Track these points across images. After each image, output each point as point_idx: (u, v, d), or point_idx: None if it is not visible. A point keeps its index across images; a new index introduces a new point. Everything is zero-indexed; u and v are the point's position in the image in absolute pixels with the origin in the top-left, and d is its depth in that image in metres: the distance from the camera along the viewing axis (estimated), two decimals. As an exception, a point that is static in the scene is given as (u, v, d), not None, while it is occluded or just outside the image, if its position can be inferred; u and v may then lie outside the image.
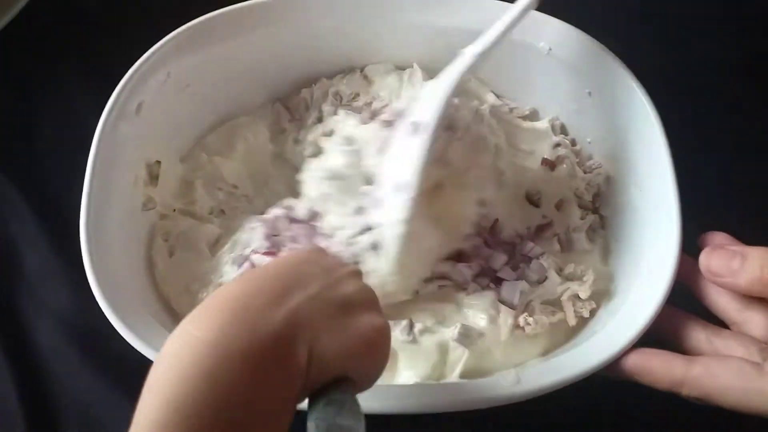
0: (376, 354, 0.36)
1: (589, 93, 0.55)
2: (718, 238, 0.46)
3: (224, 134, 0.59)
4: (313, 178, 0.52)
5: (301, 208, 0.52)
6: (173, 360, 0.29)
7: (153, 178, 0.54)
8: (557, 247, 0.53)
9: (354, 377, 0.35)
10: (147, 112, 0.52)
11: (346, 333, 0.34)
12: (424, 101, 0.48)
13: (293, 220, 0.51)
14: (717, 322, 0.45)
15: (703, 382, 0.41)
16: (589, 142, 0.58)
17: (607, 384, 0.45)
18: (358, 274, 0.39)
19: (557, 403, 0.45)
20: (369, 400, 0.41)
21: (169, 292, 0.52)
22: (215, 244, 0.54)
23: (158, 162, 0.54)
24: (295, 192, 0.55)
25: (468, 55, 0.49)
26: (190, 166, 0.57)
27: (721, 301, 0.45)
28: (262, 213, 0.54)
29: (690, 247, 0.47)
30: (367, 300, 0.37)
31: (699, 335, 0.44)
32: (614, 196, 0.55)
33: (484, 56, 0.48)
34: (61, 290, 0.57)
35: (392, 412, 0.42)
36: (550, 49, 0.55)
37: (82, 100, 0.65)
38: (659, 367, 0.42)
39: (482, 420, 0.48)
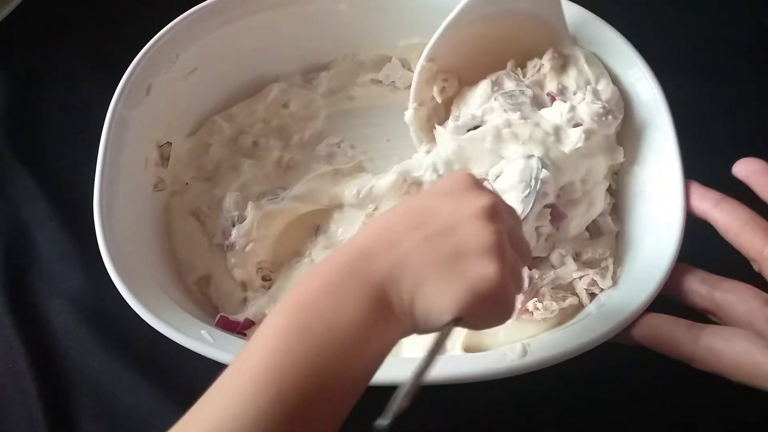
0: (484, 304, 0.35)
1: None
2: (757, 164, 0.46)
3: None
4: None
5: None
6: (302, 288, 0.35)
7: (164, 159, 0.55)
8: (587, 235, 0.53)
9: (470, 321, 0.36)
10: (156, 94, 0.53)
11: (451, 283, 0.34)
12: None
13: None
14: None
15: (710, 361, 0.41)
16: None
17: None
18: (490, 211, 0.37)
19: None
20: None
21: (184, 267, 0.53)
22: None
23: (169, 143, 0.55)
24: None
25: None
26: (204, 133, 0.59)
27: (744, 238, 0.44)
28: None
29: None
30: (484, 246, 0.35)
31: (699, 289, 0.44)
32: (619, 176, 0.55)
33: None
34: (73, 271, 0.57)
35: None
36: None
37: (88, 84, 0.65)
38: (667, 342, 0.42)
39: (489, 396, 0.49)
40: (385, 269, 0.34)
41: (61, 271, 0.58)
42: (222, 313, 0.51)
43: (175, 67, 0.54)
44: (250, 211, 0.55)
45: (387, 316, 0.34)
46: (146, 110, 0.53)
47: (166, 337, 0.44)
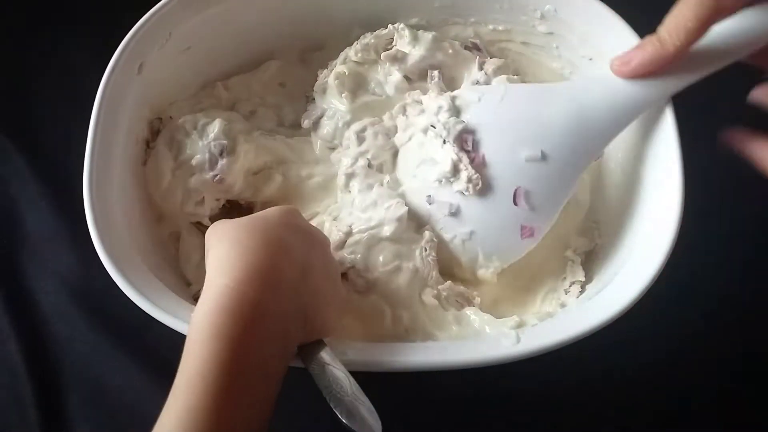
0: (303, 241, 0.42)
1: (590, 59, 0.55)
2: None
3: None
4: None
5: None
6: (214, 304, 0.37)
7: (155, 137, 0.54)
8: None
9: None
10: (148, 72, 0.52)
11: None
12: None
13: None
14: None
15: None
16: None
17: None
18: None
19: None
20: (374, 356, 0.42)
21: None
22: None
23: (159, 119, 0.54)
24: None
25: None
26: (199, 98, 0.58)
27: None
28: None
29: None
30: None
31: None
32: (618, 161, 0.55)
33: None
34: (62, 251, 0.57)
35: (393, 370, 0.42)
36: (556, 11, 0.55)
37: (80, 61, 0.65)
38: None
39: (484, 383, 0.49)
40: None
41: (50, 252, 0.57)
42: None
43: (168, 44, 0.53)
44: (243, 144, 0.53)
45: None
46: (138, 88, 0.52)
47: (156, 320, 0.43)
